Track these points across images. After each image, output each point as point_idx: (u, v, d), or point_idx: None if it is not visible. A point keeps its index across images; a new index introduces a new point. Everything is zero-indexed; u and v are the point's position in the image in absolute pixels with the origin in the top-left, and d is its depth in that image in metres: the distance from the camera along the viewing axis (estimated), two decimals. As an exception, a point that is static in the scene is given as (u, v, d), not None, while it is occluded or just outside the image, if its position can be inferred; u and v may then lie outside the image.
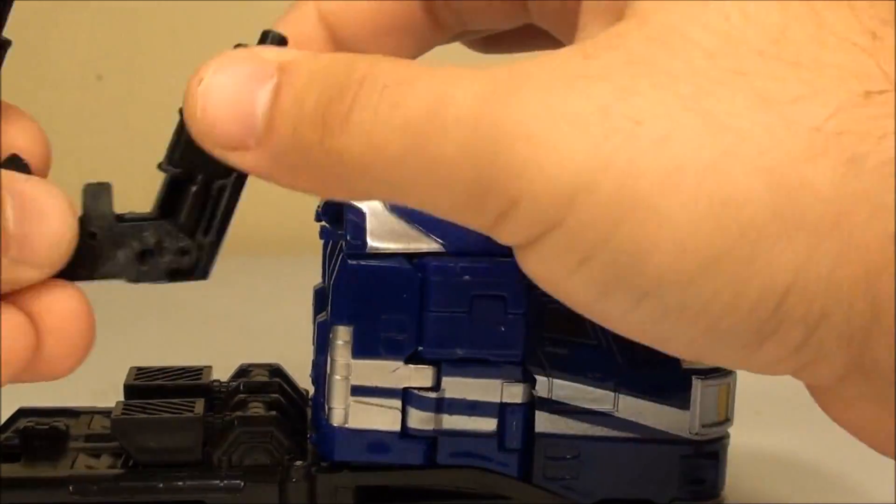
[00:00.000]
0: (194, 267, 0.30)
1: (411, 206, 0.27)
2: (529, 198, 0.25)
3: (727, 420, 0.36)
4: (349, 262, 0.33)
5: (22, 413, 0.39)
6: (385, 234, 0.33)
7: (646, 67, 0.25)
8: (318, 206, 0.36)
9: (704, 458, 0.36)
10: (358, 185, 0.27)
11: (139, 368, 0.40)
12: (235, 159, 0.28)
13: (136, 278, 0.30)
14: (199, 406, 0.36)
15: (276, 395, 0.37)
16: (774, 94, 0.25)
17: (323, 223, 0.36)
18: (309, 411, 0.38)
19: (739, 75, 0.25)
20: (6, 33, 0.31)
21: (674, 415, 0.35)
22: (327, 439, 0.34)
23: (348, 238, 0.33)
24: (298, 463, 0.35)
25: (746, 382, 0.35)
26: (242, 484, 0.34)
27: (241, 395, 0.38)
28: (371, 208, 0.33)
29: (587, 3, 0.29)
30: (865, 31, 0.25)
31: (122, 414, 0.35)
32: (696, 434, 0.35)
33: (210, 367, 0.40)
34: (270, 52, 0.28)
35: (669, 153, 0.24)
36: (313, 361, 0.36)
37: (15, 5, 0.31)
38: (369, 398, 0.33)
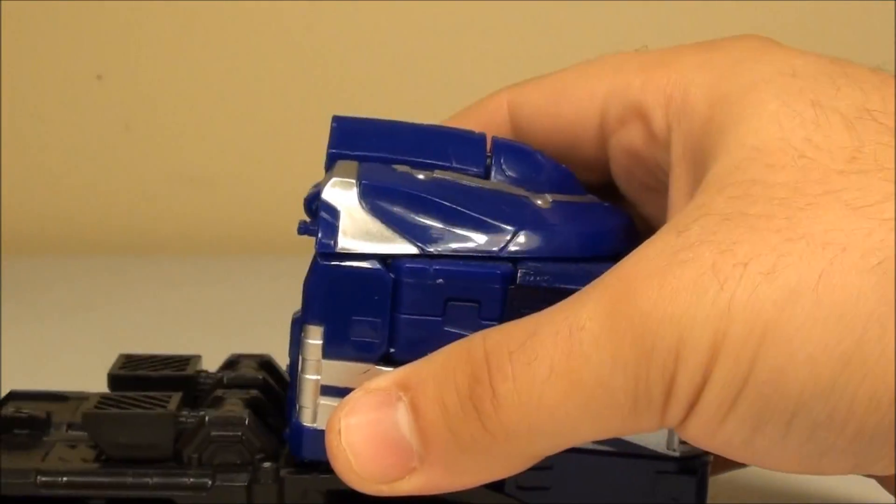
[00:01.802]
0: None
1: (581, 442, 0.30)
2: (683, 372, 0.27)
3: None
4: (319, 262, 0.32)
5: (12, 396, 0.39)
6: (359, 233, 0.32)
7: (736, 220, 0.27)
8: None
9: (683, 475, 0.35)
10: (530, 449, 0.29)
11: (127, 356, 0.40)
12: (403, 487, 0.30)
13: None
14: (175, 401, 0.35)
15: (256, 392, 0.37)
16: (863, 200, 0.27)
17: (303, 220, 0.36)
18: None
19: (825, 195, 0.27)
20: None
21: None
22: (296, 438, 0.34)
23: (319, 237, 0.32)
24: (268, 465, 0.34)
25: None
26: (210, 483, 0.34)
27: (221, 391, 0.37)
28: (347, 208, 0.33)
29: (675, 188, 0.32)
30: None
31: (95, 408, 0.35)
32: (674, 450, 0.34)
33: (199, 357, 0.40)
34: (381, 380, 0.31)
35: (781, 280, 0.26)
36: (289, 355, 0.36)
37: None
38: (339, 399, 0.33)
